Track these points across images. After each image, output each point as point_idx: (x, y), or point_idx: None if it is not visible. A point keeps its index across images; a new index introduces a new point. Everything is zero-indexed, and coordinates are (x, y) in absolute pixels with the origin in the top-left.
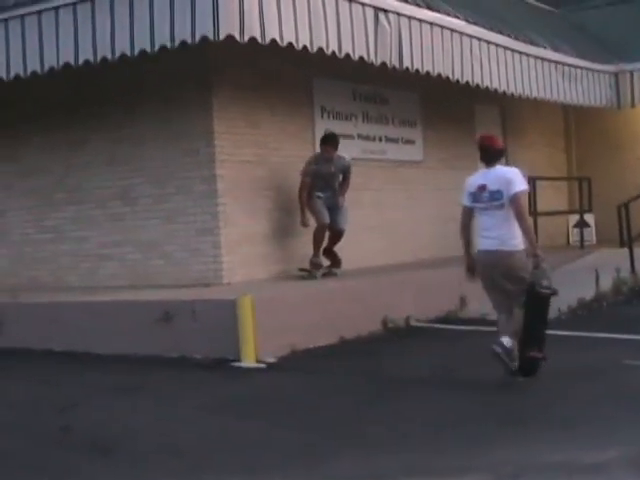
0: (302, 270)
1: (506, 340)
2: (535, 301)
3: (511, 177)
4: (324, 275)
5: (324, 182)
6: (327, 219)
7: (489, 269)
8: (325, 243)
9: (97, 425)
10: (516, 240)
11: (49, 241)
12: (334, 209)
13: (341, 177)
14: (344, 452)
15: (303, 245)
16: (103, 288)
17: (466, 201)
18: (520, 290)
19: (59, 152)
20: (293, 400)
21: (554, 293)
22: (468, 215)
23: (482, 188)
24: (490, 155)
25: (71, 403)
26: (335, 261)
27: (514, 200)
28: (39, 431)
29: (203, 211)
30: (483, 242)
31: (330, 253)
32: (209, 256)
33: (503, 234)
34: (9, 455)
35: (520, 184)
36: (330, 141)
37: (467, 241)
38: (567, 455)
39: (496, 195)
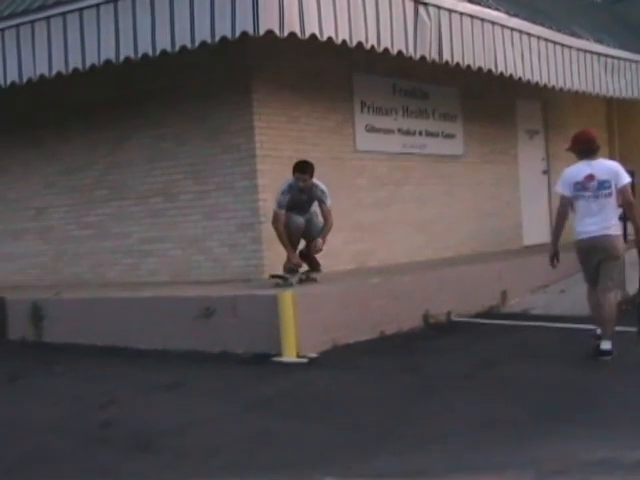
0: (274, 277)
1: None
2: None
3: (618, 170)
4: (301, 281)
5: (298, 210)
6: (302, 222)
7: (594, 253)
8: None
9: (138, 422)
10: (618, 226)
11: (90, 237)
12: (308, 220)
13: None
14: (384, 449)
15: (344, 238)
16: (144, 284)
17: (567, 191)
18: (616, 268)
19: (100, 150)
20: (333, 396)
21: None
22: (567, 205)
23: (590, 178)
24: (594, 148)
25: (112, 399)
26: (313, 264)
27: (623, 191)
28: (80, 427)
29: (243, 207)
30: (588, 228)
31: (307, 255)
32: (249, 251)
33: (609, 220)
34: (50, 451)
35: (626, 177)
36: (306, 169)
37: (561, 230)
38: (609, 452)
39: (605, 184)
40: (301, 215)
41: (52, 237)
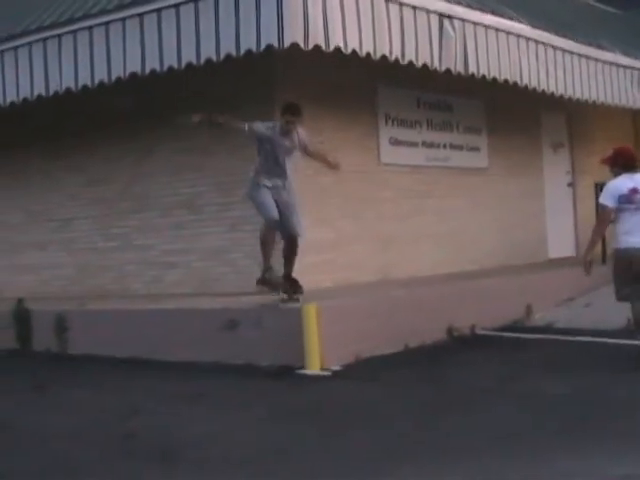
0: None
1: None
2: None
3: None
4: (283, 301)
5: (273, 161)
6: (275, 214)
7: (637, 263)
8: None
9: (161, 433)
10: None
11: (115, 249)
12: (284, 206)
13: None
14: (408, 461)
15: (368, 250)
16: (168, 296)
17: (611, 202)
18: None
19: (124, 161)
20: (357, 409)
21: None
22: (609, 216)
23: (635, 191)
24: (636, 163)
25: (135, 410)
26: (295, 286)
27: None
28: (103, 438)
29: None
30: (633, 239)
31: (288, 275)
32: (274, 264)
33: None
34: (73, 461)
35: None
36: (298, 112)
37: (600, 240)
38: (635, 468)
39: None
40: (277, 178)
41: (76, 249)
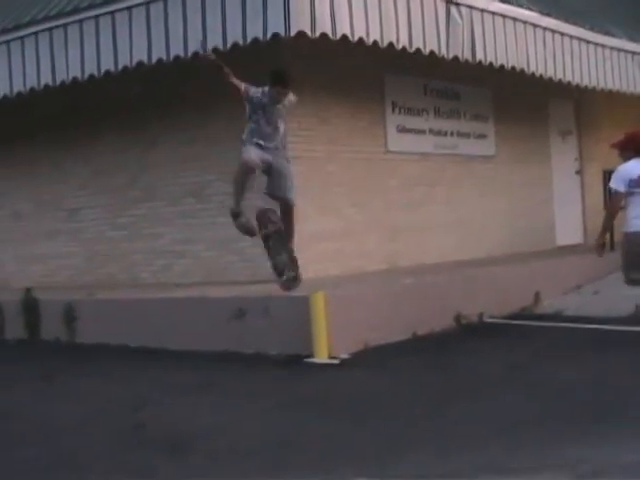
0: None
1: None
2: None
3: None
4: (285, 282)
5: (265, 126)
6: (254, 159)
7: None
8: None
9: (170, 423)
10: None
11: (123, 239)
12: (276, 171)
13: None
14: (417, 449)
15: (376, 239)
16: (176, 285)
17: (622, 187)
18: None
19: (133, 151)
20: (366, 397)
21: None
22: (620, 200)
23: None
24: None
25: (145, 400)
26: (294, 265)
27: None
28: (113, 428)
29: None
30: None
31: (290, 251)
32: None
33: None
34: (83, 452)
35: None
36: (289, 83)
37: (611, 223)
38: None
39: None
40: (268, 141)
41: (85, 238)
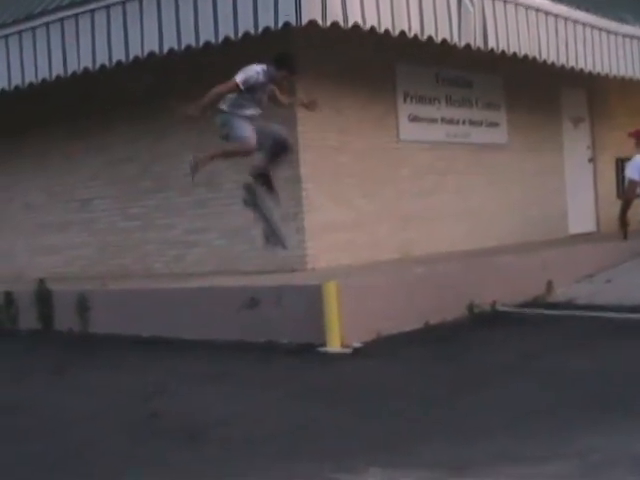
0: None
1: None
2: None
3: None
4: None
5: (250, 99)
6: (254, 141)
7: None
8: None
9: (185, 412)
10: None
11: (135, 229)
12: (261, 126)
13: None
14: (429, 439)
15: (388, 228)
16: (189, 274)
17: (636, 176)
18: None
19: (144, 141)
20: (378, 386)
21: None
22: (636, 188)
23: None
24: None
25: (159, 390)
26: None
27: None
28: (127, 418)
29: (287, 196)
30: None
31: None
32: (294, 241)
33: None
34: (97, 442)
35: None
36: (293, 69)
37: (628, 210)
38: None
39: None
40: (253, 111)
41: (97, 229)
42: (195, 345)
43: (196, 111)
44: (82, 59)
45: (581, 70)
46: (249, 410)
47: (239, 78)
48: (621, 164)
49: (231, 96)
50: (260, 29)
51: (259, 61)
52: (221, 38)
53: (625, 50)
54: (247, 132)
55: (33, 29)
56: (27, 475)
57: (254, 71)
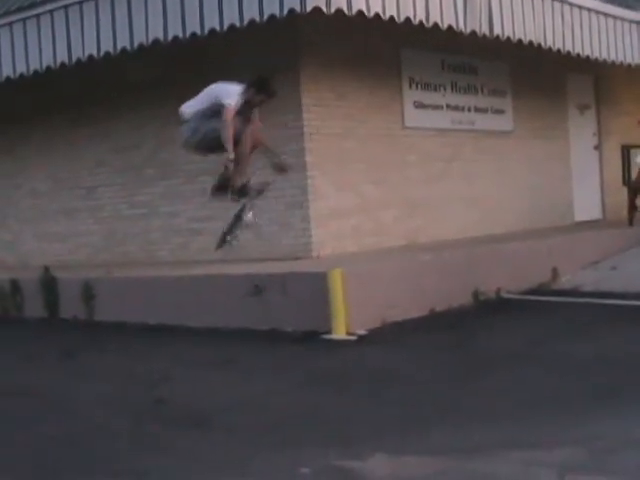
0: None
1: None
2: None
3: None
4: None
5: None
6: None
7: None
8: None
9: (190, 399)
10: None
11: (140, 217)
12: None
13: None
14: (435, 426)
15: (394, 215)
16: (194, 262)
17: None
18: None
19: (149, 128)
20: (383, 373)
21: None
22: None
23: None
24: None
25: (164, 376)
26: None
27: None
28: (133, 405)
29: (292, 185)
30: None
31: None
32: (298, 229)
33: None
34: (103, 428)
35: None
36: (272, 93)
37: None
38: None
39: None
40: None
41: (102, 216)
42: (200, 332)
43: (232, 156)
44: (87, 46)
45: (587, 57)
46: (254, 397)
47: (232, 102)
48: (627, 151)
49: (195, 112)
50: (265, 16)
51: (264, 48)
52: (226, 26)
53: (632, 36)
54: (218, 119)
55: (37, 16)
56: (37, 456)
57: (236, 93)
